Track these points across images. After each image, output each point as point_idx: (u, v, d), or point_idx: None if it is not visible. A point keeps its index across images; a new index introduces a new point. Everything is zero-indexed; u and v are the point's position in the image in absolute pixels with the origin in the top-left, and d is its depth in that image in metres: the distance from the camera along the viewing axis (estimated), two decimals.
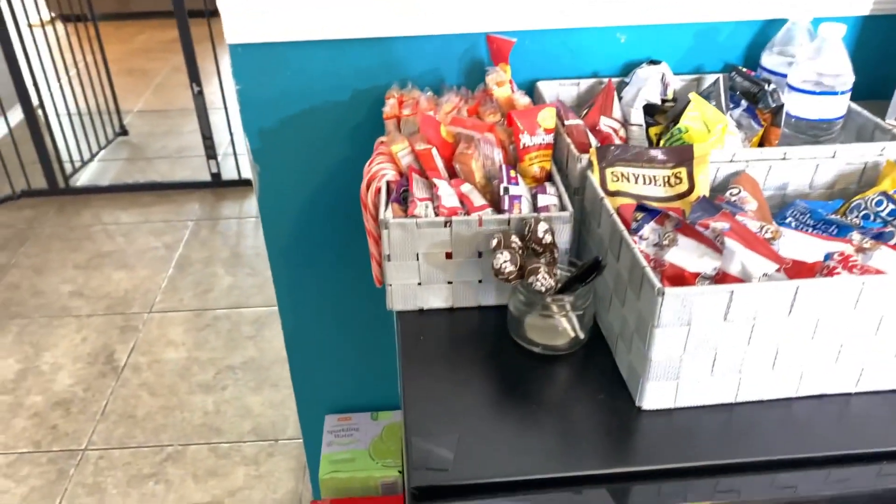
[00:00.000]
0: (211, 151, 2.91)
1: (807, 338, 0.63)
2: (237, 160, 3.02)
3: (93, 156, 3.21)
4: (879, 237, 0.67)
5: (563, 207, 0.75)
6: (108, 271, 2.52)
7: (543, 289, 0.68)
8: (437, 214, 0.75)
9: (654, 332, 0.61)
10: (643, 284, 0.61)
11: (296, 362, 1.29)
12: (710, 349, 0.62)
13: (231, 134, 3.02)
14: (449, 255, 0.76)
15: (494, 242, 0.71)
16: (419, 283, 0.78)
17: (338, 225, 1.10)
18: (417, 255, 0.76)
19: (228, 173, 3.03)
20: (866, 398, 0.67)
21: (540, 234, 0.71)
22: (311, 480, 1.36)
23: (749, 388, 0.65)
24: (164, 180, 3.05)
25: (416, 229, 0.74)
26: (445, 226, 0.74)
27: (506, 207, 0.75)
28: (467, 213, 0.75)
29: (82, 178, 3.11)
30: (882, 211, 0.72)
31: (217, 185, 2.99)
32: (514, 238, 0.72)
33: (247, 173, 3.02)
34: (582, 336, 0.73)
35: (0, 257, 2.59)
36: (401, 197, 0.80)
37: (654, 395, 0.65)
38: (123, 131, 3.44)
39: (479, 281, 0.78)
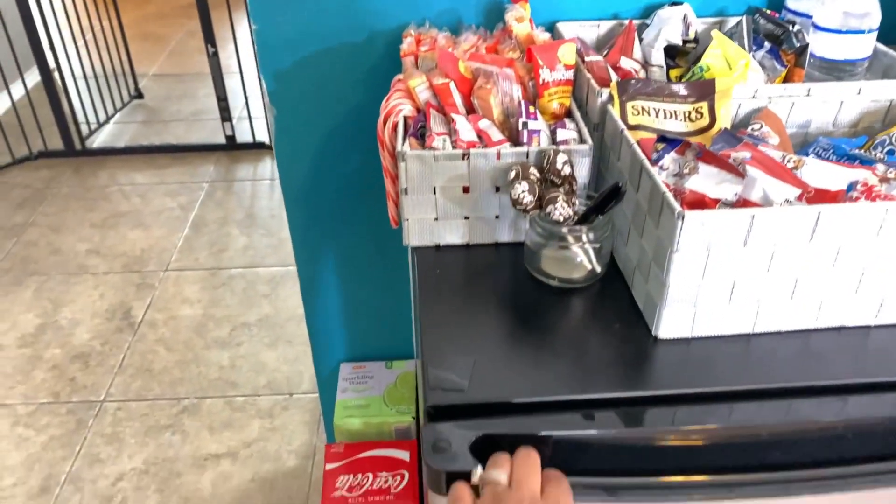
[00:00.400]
0: (226, 114, 2.91)
1: (827, 267, 0.62)
2: (252, 123, 3.02)
3: (108, 118, 3.22)
4: None
5: (582, 140, 0.75)
6: (124, 231, 2.54)
7: (562, 218, 0.67)
8: (454, 148, 0.75)
9: (673, 258, 0.60)
10: (663, 210, 0.61)
11: (311, 311, 1.30)
12: (728, 276, 0.62)
13: (246, 97, 3.02)
14: (466, 190, 0.76)
15: (513, 174, 0.71)
16: (436, 219, 0.78)
17: (354, 167, 1.10)
18: (434, 188, 0.76)
19: (243, 136, 3.03)
20: (886, 331, 0.66)
21: (559, 166, 0.70)
22: (325, 429, 1.38)
23: (767, 319, 0.65)
24: (179, 142, 3.05)
25: (434, 162, 0.74)
26: (463, 158, 0.74)
27: (524, 141, 0.75)
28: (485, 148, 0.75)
29: (98, 140, 3.12)
30: None
31: (232, 147, 2.99)
32: (533, 170, 0.71)
33: (261, 136, 3.02)
34: (599, 269, 0.72)
35: (18, 216, 2.62)
36: (418, 132, 0.79)
37: (671, 324, 0.65)
38: (139, 94, 3.45)
39: (496, 216, 0.78)
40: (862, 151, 0.72)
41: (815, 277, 0.63)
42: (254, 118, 3.03)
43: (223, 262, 2.38)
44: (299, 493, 1.62)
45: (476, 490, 0.54)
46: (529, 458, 0.54)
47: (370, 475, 1.12)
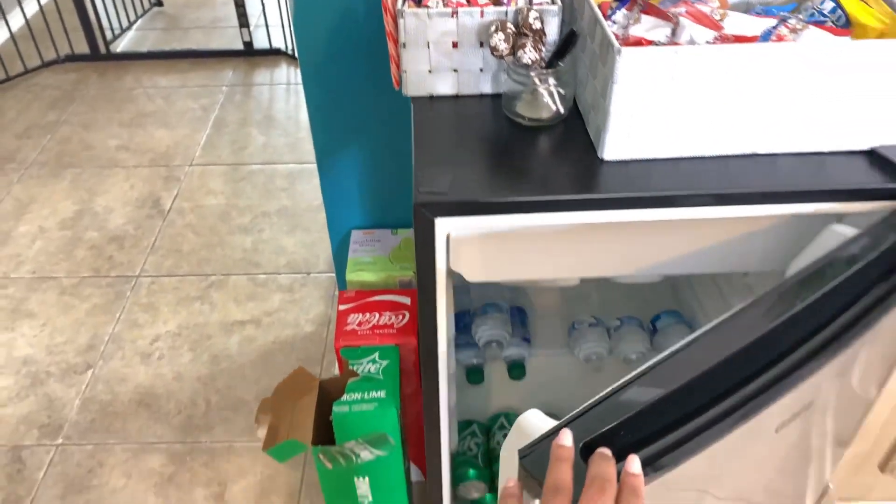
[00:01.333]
0: (243, 20, 3.02)
1: (740, 99, 0.77)
2: (269, 30, 3.13)
3: (130, 24, 3.34)
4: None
5: (553, 2, 0.89)
6: (150, 129, 2.70)
7: (530, 61, 0.82)
8: (445, 7, 0.89)
9: (614, 89, 0.75)
10: (609, 51, 0.75)
11: (327, 184, 1.46)
12: (659, 107, 0.77)
13: (263, 5, 3.11)
14: (455, 45, 0.91)
15: (493, 27, 0.86)
16: (429, 71, 0.93)
17: (367, 39, 1.23)
18: (428, 43, 0.90)
19: (260, 43, 3.14)
20: (793, 158, 0.82)
21: (530, 21, 0.85)
22: (338, 284, 1.56)
23: (692, 145, 0.80)
24: (199, 48, 3.17)
25: (428, 19, 0.88)
26: (452, 16, 0.88)
27: (504, 2, 0.89)
28: None
29: (121, 46, 3.24)
30: (825, 9, 0.84)
31: (249, 53, 3.11)
32: (510, 25, 0.86)
33: (277, 43, 3.13)
34: (562, 111, 0.88)
35: (51, 114, 2.78)
36: None
37: (613, 147, 0.80)
38: (159, 2, 3.54)
39: (481, 70, 0.93)
40: (787, 14, 0.86)
41: (731, 109, 0.78)
42: (270, 26, 3.13)
43: (244, 158, 2.55)
44: (315, 353, 1.83)
45: None
46: (604, 494, 0.48)
47: (377, 314, 1.30)
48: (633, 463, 0.51)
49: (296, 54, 2.99)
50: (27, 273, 2.08)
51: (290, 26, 3.00)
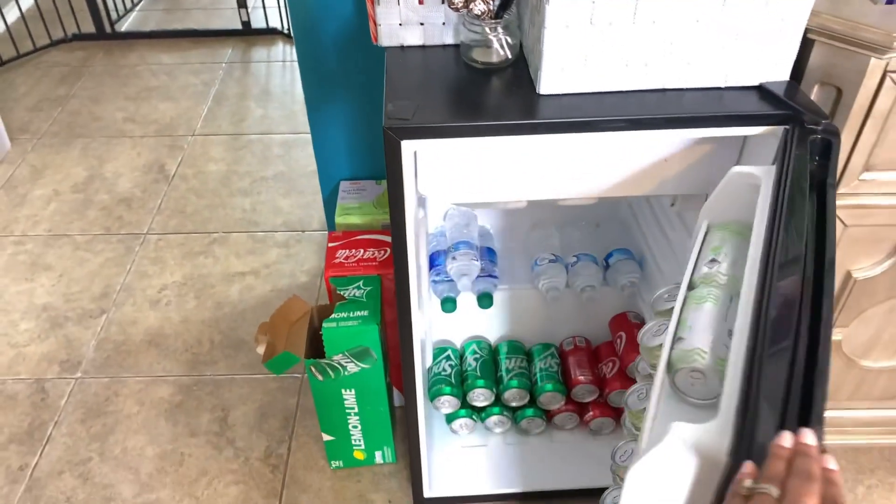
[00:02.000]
0: (242, 1, 3.18)
1: (651, 40, 0.94)
2: (266, 11, 3.29)
3: (134, 5, 3.50)
4: None
5: None
6: (154, 102, 2.87)
7: (479, 12, 1.00)
8: None
9: (545, 34, 0.93)
10: (540, 2, 0.93)
11: (317, 140, 1.63)
12: (582, 46, 0.94)
13: None
14: (421, 1, 1.08)
15: None
16: (400, 24, 1.10)
17: (356, 20, 1.40)
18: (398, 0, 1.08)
19: (257, 23, 3.30)
20: (698, 92, 0.99)
21: None
22: (328, 227, 1.74)
23: (613, 81, 0.98)
24: (200, 28, 3.34)
25: None
26: None
27: None
28: None
29: (125, 26, 3.41)
30: None
31: (247, 33, 3.27)
32: None
33: (274, 23, 3.29)
34: (510, 56, 1.05)
35: (61, 89, 2.95)
36: None
37: (548, 83, 0.97)
38: None
39: (443, 24, 1.10)
40: None
41: (644, 49, 0.95)
42: (268, 6, 3.30)
43: (243, 129, 2.72)
44: (310, 298, 2.01)
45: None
46: (811, 482, 0.52)
47: (362, 250, 1.48)
48: (829, 460, 0.56)
49: (292, 33, 3.16)
50: (43, 231, 2.26)
51: (286, 7, 3.17)
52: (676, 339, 0.84)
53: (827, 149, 0.89)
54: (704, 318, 0.84)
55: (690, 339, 0.82)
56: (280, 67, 3.11)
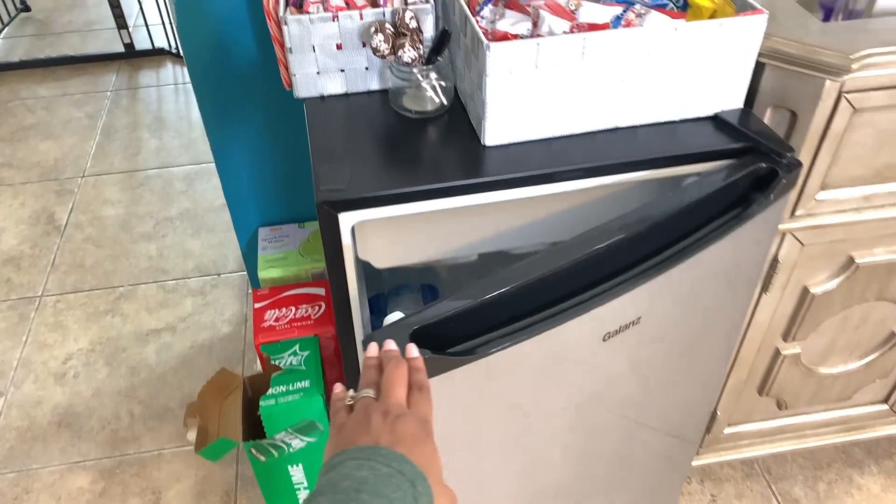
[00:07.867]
0: (121, 21, 2.93)
1: (598, 80, 0.86)
2: (149, 30, 3.04)
3: None
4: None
5: (427, 1, 0.95)
6: (34, 142, 2.60)
7: (409, 59, 0.89)
8: (326, 11, 0.94)
9: (487, 81, 0.83)
10: (479, 46, 0.83)
11: (227, 183, 1.48)
12: (528, 93, 0.85)
13: (140, 4, 3.02)
14: (339, 47, 0.96)
15: (373, 29, 0.91)
16: (318, 73, 0.98)
17: (255, 42, 1.26)
18: (314, 47, 0.95)
19: (141, 44, 3.05)
20: (650, 128, 0.92)
21: (407, 20, 0.91)
22: (251, 282, 1.59)
23: (561, 125, 0.89)
24: (76, 53, 3.05)
25: (310, 24, 0.93)
26: (334, 20, 0.93)
27: (381, 3, 0.94)
28: None
29: None
30: None
31: (131, 55, 3.02)
32: (388, 25, 0.92)
33: (160, 42, 3.05)
34: (445, 102, 0.95)
35: None
36: (297, 2, 0.97)
37: (493, 134, 0.88)
38: (25, 7, 3.37)
39: (366, 68, 0.98)
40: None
41: (592, 89, 0.87)
42: (151, 25, 3.05)
43: (138, 164, 2.50)
44: (236, 352, 1.85)
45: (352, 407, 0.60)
46: (398, 370, 0.61)
47: (293, 308, 1.35)
48: (412, 349, 0.67)
49: (181, 53, 2.93)
50: None
51: (171, 25, 2.93)
52: None
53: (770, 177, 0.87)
54: None
55: None
56: (172, 91, 2.88)
